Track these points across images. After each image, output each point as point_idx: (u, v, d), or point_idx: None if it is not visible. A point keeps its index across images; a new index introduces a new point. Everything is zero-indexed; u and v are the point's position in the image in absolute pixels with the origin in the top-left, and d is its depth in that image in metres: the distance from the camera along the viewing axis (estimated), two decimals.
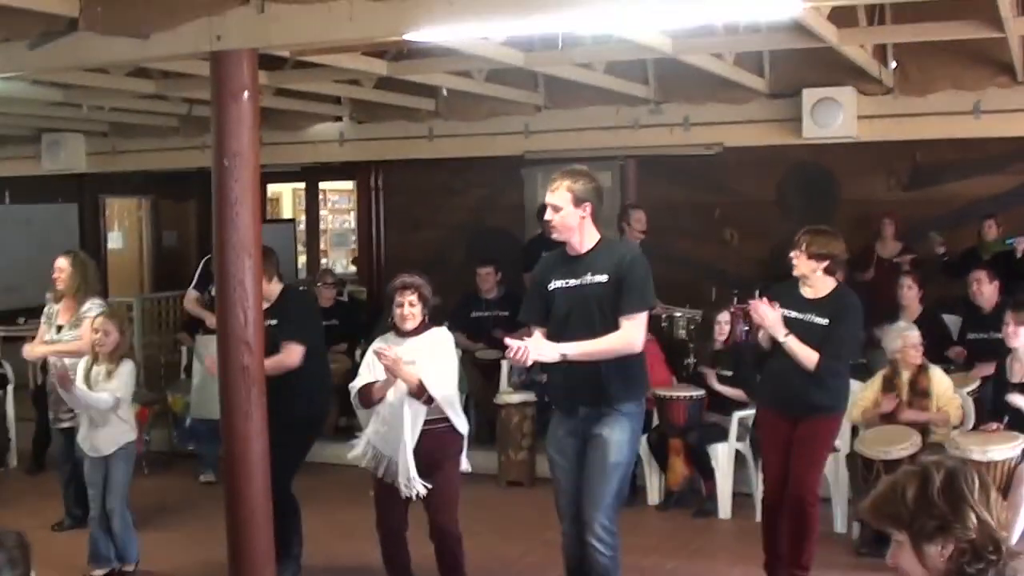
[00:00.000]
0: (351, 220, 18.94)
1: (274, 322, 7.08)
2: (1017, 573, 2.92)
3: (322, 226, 17.63)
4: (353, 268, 16.34)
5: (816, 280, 6.71)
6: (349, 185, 17.88)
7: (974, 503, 2.88)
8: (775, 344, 6.68)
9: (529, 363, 5.73)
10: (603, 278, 5.83)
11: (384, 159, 12.99)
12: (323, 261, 17.03)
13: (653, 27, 7.62)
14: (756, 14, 7.32)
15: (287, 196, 18.79)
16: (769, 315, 6.61)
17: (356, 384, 6.63)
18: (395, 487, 6.45)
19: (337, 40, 6.50)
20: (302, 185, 16.85)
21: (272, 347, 6.95)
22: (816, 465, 6.88)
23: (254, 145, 6.27)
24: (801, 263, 6.71)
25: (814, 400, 6.67)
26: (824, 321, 6.65)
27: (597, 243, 5.95)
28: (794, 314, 6.67)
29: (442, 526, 6.59)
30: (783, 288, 6.93)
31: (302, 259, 16.59)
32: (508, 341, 5.66)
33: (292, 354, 7.09)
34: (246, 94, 6.20)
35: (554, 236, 6.01)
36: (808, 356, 6.55)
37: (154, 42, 6.42)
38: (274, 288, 7.26)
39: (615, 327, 5.80)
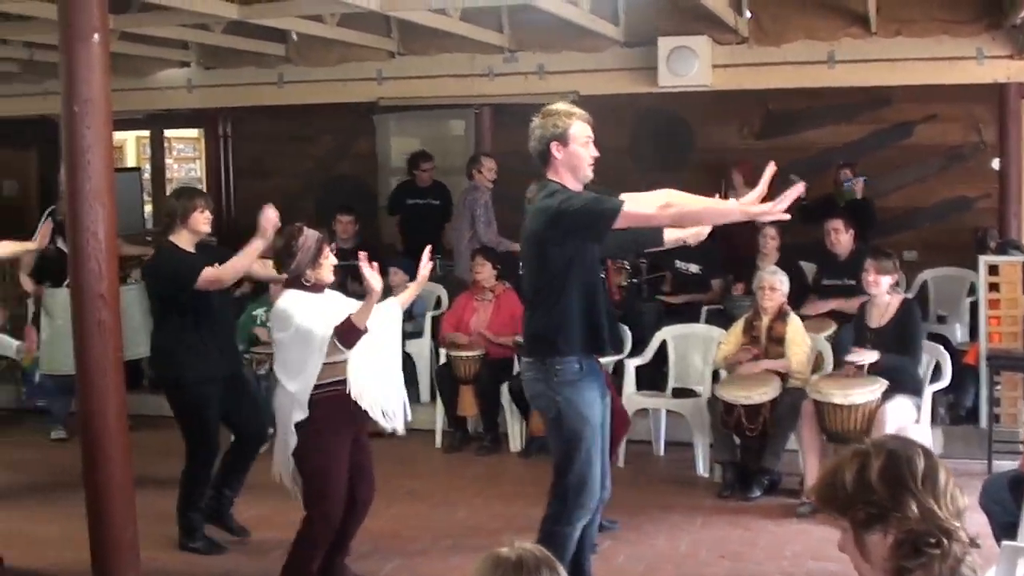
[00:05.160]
0: (197, 168, 18.49)
1: None
2: (974, 572, 2.58)
3: (167, 175, 17.15)
4: None
5: None
6: (194, 133, 17.44)
7: (916, 490, 2.56)
8: None
9: None
10: None
11: (233, 106, 12.66)
12: None
13: None
14: None
15: (131, 144, 18.24)
16: None
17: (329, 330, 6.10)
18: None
19: None
20: (146, 133, 16.35)
21: None
22: None
23: (105, 90, 5.99)
24: None
25: None
26: None
27: None
28: None
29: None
30: None
31: (148, 208, 16.15)
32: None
33: None
34: (96, 37, 5.91)
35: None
36: None
37: None
38: None
39: None
